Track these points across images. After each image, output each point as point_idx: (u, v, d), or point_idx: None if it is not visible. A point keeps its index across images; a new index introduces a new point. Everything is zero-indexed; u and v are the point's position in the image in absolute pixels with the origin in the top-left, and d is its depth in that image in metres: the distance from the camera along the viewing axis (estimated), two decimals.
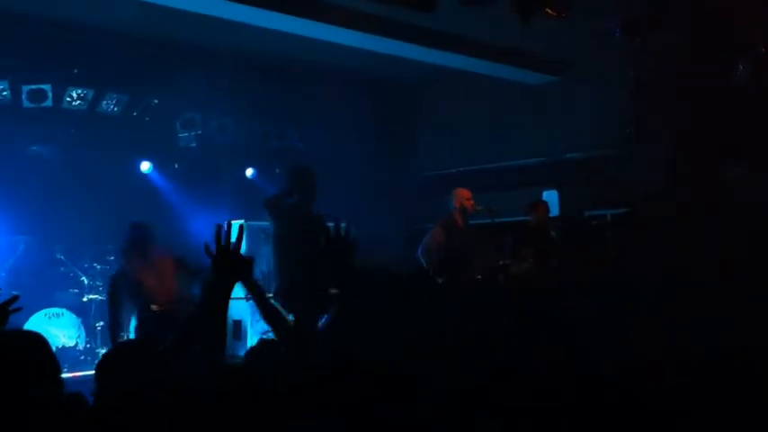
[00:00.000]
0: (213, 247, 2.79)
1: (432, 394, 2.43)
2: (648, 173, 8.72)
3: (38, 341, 2.69)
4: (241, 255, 2.82)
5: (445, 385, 2.50)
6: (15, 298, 2.95)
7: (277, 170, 10.49)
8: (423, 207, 10.75)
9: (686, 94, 8.26)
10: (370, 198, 10.45)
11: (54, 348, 8.91)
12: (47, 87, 8.74)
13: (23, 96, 8.66)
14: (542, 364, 2.73)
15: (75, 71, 8.91)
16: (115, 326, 6.28)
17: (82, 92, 9.01)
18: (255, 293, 2.97)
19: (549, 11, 7.10)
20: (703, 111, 8.05)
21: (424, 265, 7.97)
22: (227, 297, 2.79)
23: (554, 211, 9.15)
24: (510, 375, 2.61)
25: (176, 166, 9.95)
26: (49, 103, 8.80)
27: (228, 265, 2.77)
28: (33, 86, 8.65)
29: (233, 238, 2.80)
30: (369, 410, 2.30)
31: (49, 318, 8.22)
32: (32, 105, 8.73)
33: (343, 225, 3.08)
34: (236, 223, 2.82)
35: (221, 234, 2.77)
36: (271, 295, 7.23)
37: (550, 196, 9.68)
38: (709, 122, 7.95)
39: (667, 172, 8.45)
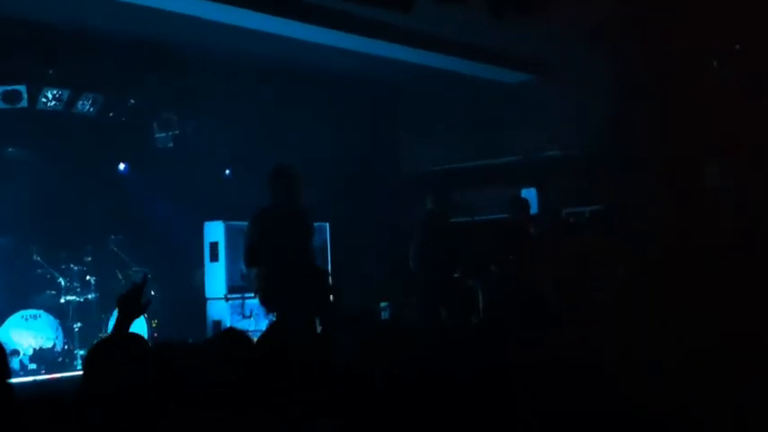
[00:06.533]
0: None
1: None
2: (627, 169, 8.79)
3: None
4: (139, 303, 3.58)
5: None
6: None
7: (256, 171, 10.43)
8: (402, 206, 10.75)
9: (665, 91, 8.32)
10: (349, 198, 10.43)
11: (31, 350, 8.78)
12: (22, 88, 8.66)
13: None
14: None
15: (51, 71, 8.83)
16: None
17: (57, 92, 8.93)
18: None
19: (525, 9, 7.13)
20: (681, 108, 8.12)
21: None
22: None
23: (533, 208, 9.21)
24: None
25: (155, 168, 9.86)
26: (24, 104, 8.72)
27: (129, 308, 3.54)
28: (8, 87, 8.56)
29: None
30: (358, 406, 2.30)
31: (26, 319, 8.10)
32: (7, 107, 8.64)
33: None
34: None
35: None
36: (252, 294, 7.23)
37: (529, 194, 9.73)
38: (688, 120, 8.02)
39: (647, 169, 8.51)
